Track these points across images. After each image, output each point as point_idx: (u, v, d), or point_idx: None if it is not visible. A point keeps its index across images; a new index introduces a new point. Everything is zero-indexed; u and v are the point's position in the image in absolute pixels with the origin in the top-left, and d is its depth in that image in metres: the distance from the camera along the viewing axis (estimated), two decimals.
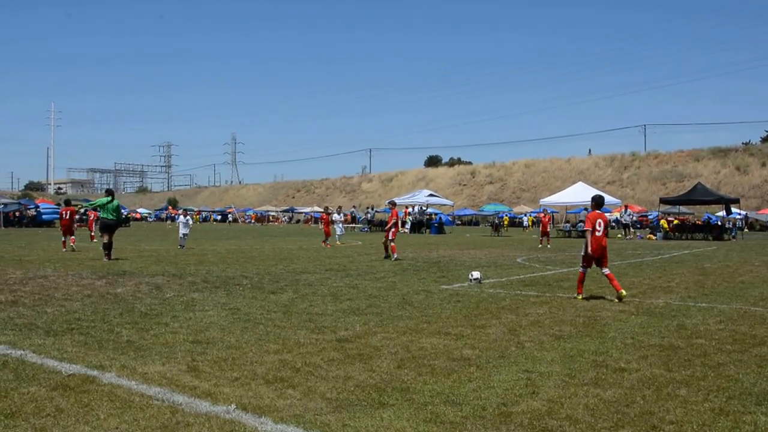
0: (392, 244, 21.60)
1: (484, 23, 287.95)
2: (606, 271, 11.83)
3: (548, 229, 33.15)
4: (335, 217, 33.38)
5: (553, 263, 20.51)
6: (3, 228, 52.07)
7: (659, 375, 6.30)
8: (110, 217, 20.01)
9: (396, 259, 20.95)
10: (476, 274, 14.41)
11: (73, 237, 25.48)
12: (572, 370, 6.43)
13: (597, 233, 11.76)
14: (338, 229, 33.16)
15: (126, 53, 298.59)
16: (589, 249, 11.72)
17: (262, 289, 12.68)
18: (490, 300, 11.52)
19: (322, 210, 36.11)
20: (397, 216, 22.57)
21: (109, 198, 20.18)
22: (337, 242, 31.78)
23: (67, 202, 28.62)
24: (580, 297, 11.76)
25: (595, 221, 11.83)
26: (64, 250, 24.65)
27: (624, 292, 11.49)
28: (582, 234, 12.44)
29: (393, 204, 24.20)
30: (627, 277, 15.76)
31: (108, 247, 19.74)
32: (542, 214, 34.92)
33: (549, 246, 31.64)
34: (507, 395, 5.58)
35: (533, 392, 5.67)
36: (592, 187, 55.09)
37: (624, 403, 5.40)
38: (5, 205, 60.34)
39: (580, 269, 12.03)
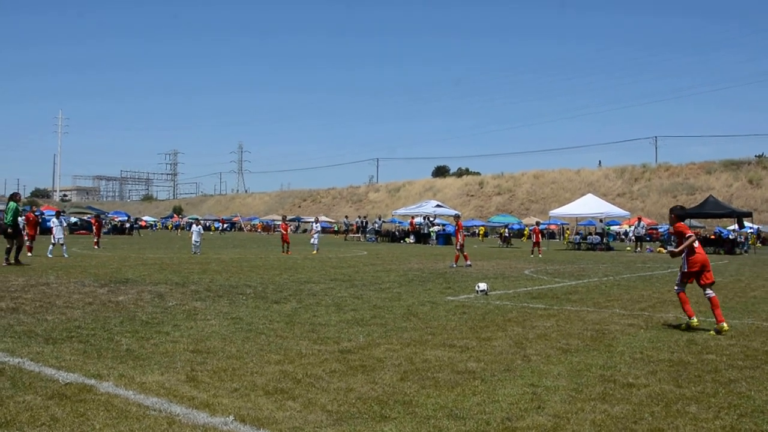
0: (464, 253, 23.69)
1: (493, 32, 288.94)
2: None
3: (539, 240, 36.22)
4: (314, 226, 34.07)
5: (561, 276, 20.36)
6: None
7: (668, 391, 6.17)
8: (5, 220, 20.78)
9: (468, 265, 23.26)
10: (483, 286, 14.26)
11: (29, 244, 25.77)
12: (579, 385, 6.31)
13: None
14: (315, 238, 33.34)
15: (132, 60, 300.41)
16: None
17: (266, 299, 12.58)
18: (497, 312, 11.40)
19: (281, 219, 37.36)
20: (461, 227, 25.07)
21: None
22: (313, 252, 31.82)
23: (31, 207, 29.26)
24: None
25: None
26: (30, 254, 24.82)
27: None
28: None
29: (458, 217, 27.20)
30: (636, 290, 15.62)
31: (8, 251, 20.24)
32: (535, 227, 37.96)
33: (540, 256, 33.57)
34: (512, 410, 5.46)
35: (539, 407, 5.55)
36: (602, 199, 54.93)
37: (632, 419, 5.28)
38: None
39: None
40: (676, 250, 10.17)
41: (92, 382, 6.07)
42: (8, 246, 20.31)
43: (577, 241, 48.77)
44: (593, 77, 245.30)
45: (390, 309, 11.50)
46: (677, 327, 10.04)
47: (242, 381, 6.23)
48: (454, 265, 23.41)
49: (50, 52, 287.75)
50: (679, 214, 10.53)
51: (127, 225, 72.01)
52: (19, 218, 21.99)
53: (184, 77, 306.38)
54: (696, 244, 10.03)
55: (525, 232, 68.11)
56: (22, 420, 4.95)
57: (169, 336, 8.47)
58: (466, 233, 78.96)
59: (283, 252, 31.13)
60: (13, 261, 20.12)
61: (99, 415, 5.08)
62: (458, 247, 24.05)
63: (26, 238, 26.42)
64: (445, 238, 52.51)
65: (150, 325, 9.33)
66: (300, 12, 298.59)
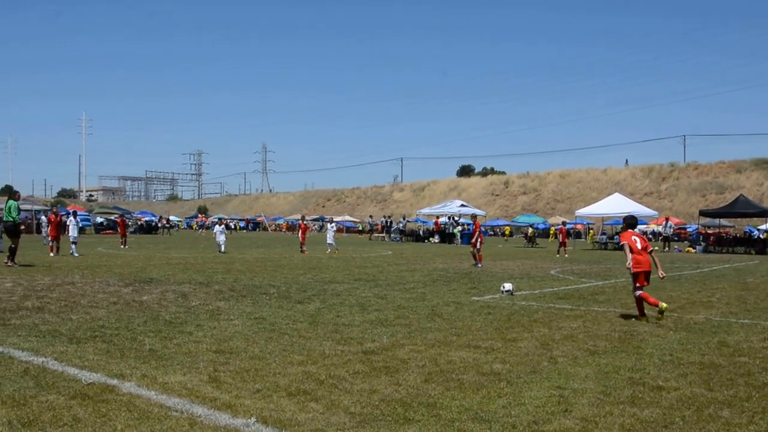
0: (479, 253, 24.07)
1: (519, 31, 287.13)
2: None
3: (565, 240, 36.04)
4: (329, 226, 34.91)
5: (588, 276, 20.15)
6: (35, 234, 52.75)
7: (700, 394, 6.02)
8: (6, 219, 19.85)
9: (478, 266, 23.10)
10: (508, 286, 14.13)
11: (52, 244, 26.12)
12: (607, 388, 6.18)
13: None
14: (329, 237, 33.78)
15: (156, 60, 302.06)
16: None
17: (289, 299, 12.55)
18: (522, 313, 11.27)
19: (300, 219, 38.12)
20: (479, 227, 25.33)
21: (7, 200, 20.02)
22: (336, 250, 32.11)
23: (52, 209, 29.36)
24: None
25: None
26: (52, 254, 25.13)
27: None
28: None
29: (474, 217, 28.36)
30: (665, 291, 15.37)
31: (12, 252, 19.44)
32: (561, 227, 37.86)
33: (566, 256, 33.43)
34: (538, 413, 5.36)
35: (566, 410, 5.44)
36: (629, 198, 54.39)
37: (662, 423, 5.15)
38: (38, 211, 61.01)
39: None
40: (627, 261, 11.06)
41: (115, 382, 6.06)
42: (13, 246, 19.60)
43: (604, 240, 48.32)
44: (620, 76, 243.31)
45: (414, 309, 11.42)
46: (708, 329, 9.83)
47: (265, 382, 6.18)
48: (479, 265, 23.28)
49: (74, 51, 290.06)
50: (629, 223, 11.64)
51: (159, 225, 72.99)
52: (43, 217, 21.53)
53: (208, 77, 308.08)
54: (639, 246, 10.95)
55: (551, 232, 67.74)
56: (45, 420, 4.94)
57: (192, 336, 8.45)
58: (491, 233, 78.94)
59: (303, 251, 31.29)
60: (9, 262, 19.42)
61: (121, 416, 5.06)
62: (477, 247, 24.20)
63: (49, 238, 26.82)
64: (470, 238, 52.30)
65: (173, 324, 9.33)
66: (322, 13, 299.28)
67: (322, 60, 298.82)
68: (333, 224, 36.08)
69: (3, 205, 20.16)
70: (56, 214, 27.56)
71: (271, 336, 8.57)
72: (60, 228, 26.98)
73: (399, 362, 7.14)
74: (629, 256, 10.95)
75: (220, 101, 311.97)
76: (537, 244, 50.92)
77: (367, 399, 5.67)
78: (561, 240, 35.46)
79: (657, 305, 10.55)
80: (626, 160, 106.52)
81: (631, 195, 70.91)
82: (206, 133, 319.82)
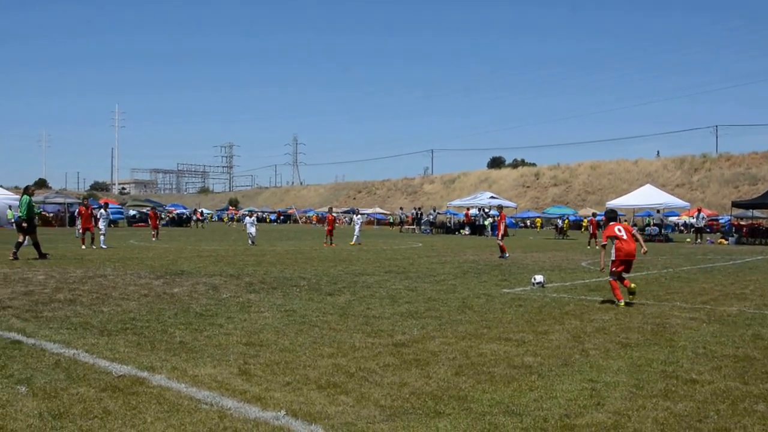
0: (501, 243, 23.92)
1: (549, 24, 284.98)
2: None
3: (596, 231, 35.44)
4: (355, 218, 35.61)
5: None
6: (68, 227, 53.49)
7: (734, 388, 5.91)
8: (19, 215, 19.64)
9: (505, 257, 22.94)
10: (539, 278, 14.02)
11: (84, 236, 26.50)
12: (640, 381, 6.10)
13: None
14: (356, 230, 34.30)
15: (188, 53, 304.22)
16: None
17: (319, 291, 12.55)
18: (554, 305, 11.17)
19: (327, 211, 38.65)
20: (504, 218, 25.26)
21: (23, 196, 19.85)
22: (351, 243, 32.34)
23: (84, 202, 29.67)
24: None
25: None
26: (83, 246, 25.48)
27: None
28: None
29: (500, 208, 27.38)
30: (697, 283, 15.18)
31: (36, 246, 19.38)
32: (592, 218, 37.72)
33: (597, 247, 32.06)
34: (570, 406, 5.29)
35: (598, 404, 5.37)
36: (661, 189, 53.79)
37: (696, 417, 5.06)
38: (71, 204, 61.77)
39: None
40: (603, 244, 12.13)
41: (145, 374, 6.08)
42: (20, 240, 19.36)
43: (634, 232, 47.75)
44: (651, 67, 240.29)
45: (445, 301, 11.37)
46: (742, 321, 9.68)
47: (295, 374, 6.17)
48: (506, 256, 23.17)
49: (107, 46, 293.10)
50: (609, 217, 12.30)
51: (192, 217, 73.77)
52: (77, 211, 21.38)
53: (239, 71, 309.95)
54: (624, 236, 11.60)
55: (584, 223, 67.26)
56: (75, 412, 4.96)
57: (223, 328, 8.47)
58: (521, 225, 78.46)
59: (325, 243, 31.39)
60: (37, 255, 19.31)
61: (151, 408, 5.07)
62: (500, 238, 24.21)
63: (80, 230, 27.22)
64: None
65: (204, 317, 9.36)
66: (353, 7, 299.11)
67: (353, 54, 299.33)
68: (359, 216, 36.25)
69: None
70: (87, 207, 27.89)
71: (302, 328, 8.56)
72: (90, 220, 27.33)
73: (429, 355, 7.10)
74: (605, 258, 11.99)
75: (251, 94, 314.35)
76: (568, 236, 50.56)
77: (397, 392, 5.63)
78: (592, 231, 35.13)
79: (619, 299, 11.20)
80: (657, 152, 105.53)
81: (662, 186, 70.18)
82: (237, 126, 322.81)
